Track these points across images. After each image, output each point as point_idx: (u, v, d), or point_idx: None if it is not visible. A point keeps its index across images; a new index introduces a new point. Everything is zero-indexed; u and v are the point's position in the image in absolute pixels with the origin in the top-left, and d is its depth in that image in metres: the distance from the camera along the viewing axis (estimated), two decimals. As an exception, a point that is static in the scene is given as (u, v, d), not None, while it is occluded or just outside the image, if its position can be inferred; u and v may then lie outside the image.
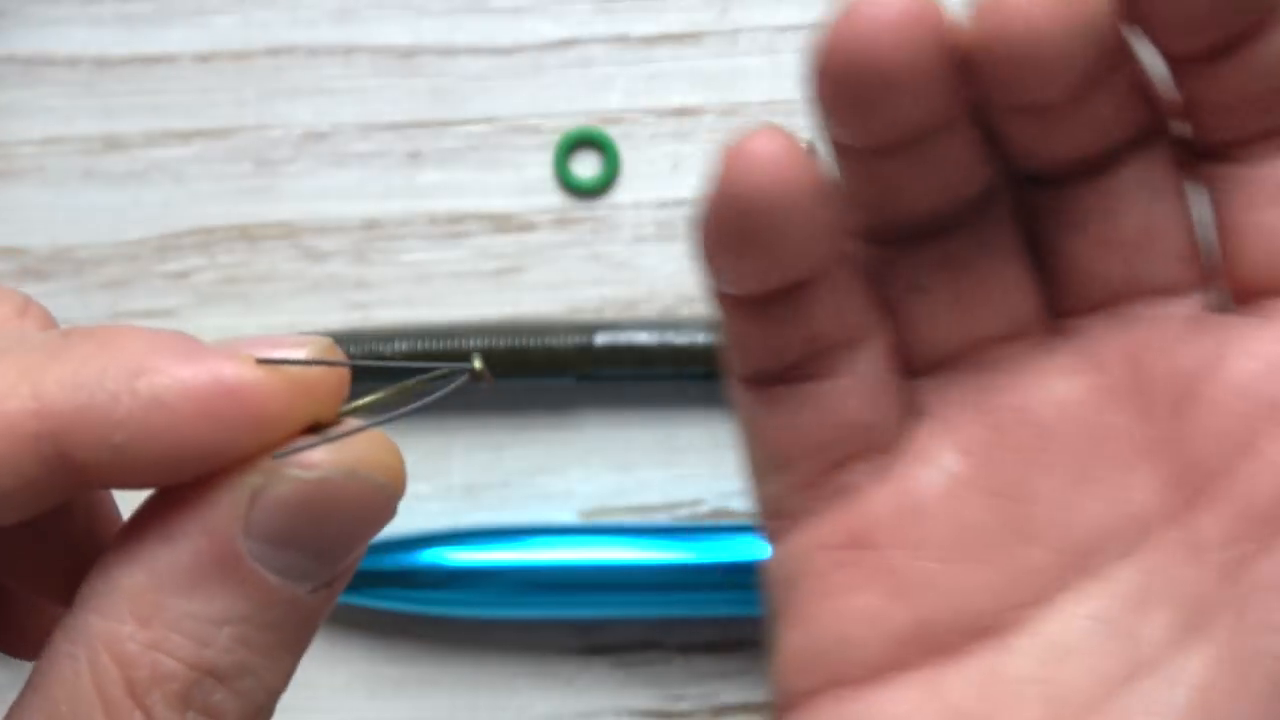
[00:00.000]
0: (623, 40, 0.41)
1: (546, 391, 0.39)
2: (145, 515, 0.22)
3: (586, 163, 0.41)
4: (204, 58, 0.41)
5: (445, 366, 0.25)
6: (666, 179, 0.41)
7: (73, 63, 0.41)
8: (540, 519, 0.40)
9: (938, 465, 0.26)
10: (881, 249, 0.26)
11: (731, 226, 0.24)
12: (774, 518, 0.27)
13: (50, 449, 0.20)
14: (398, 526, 0.40)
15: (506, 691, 0.39)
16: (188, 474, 0.21)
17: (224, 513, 0.21)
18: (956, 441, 0.26)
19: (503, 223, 0.40)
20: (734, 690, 0.39)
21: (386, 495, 0.22)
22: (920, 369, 0.26)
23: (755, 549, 0.38)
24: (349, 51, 0.41)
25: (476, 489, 0.40)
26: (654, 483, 0.40)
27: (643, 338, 0.39)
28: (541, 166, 0.41)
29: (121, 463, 0.21)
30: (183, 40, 0.41)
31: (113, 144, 0.41)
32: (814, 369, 0.26)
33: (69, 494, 0.21)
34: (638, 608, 0.38)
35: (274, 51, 0.41)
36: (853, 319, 0.26)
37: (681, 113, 0.41)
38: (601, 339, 0.39)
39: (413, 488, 0.40)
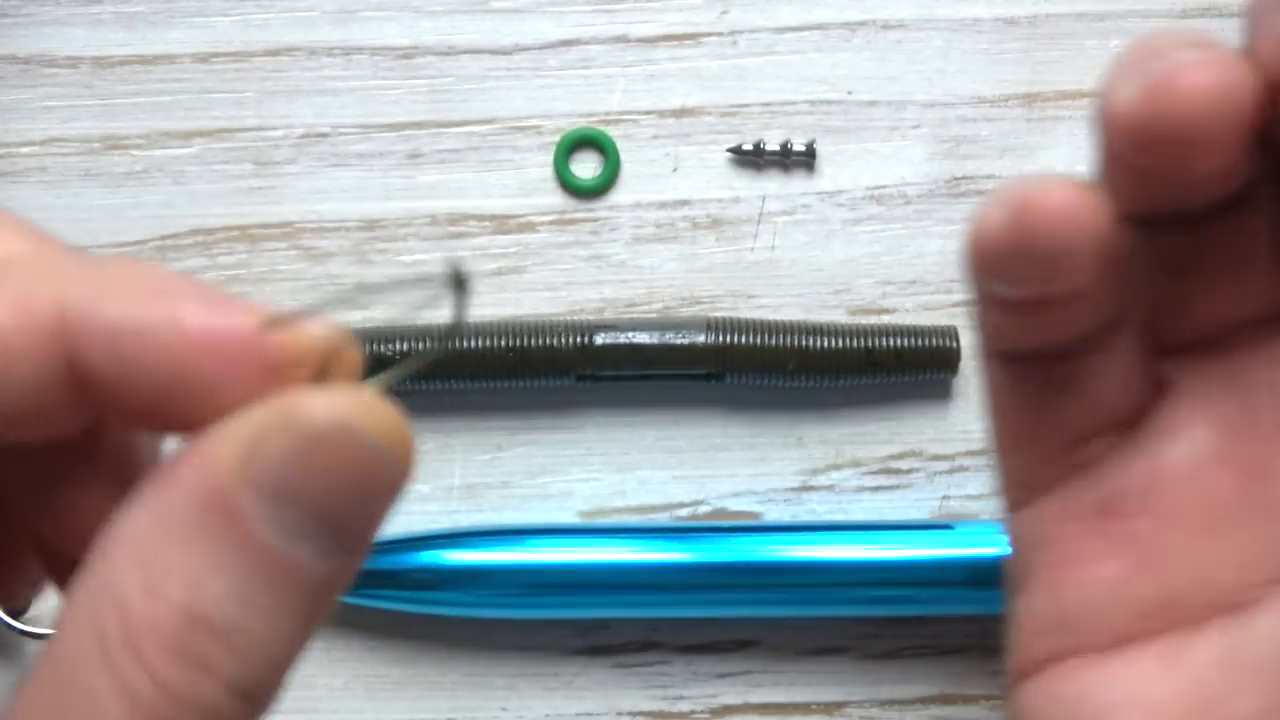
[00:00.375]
0: (623, 40, 0.41)
1: (546, 391, 0.39)
2: (161, 468, 0.22)
3: (586, 163, 0.41)
4: (204, 58, 0.41)
5: (420, 278, 0.24)
6: (666, 179, 0.41)
7: (73, 63, 0.41)
8: (540, 519, 0.40)
9: (1188, 440, 0.26)
10: (1142, 230, 0.26)
11: (1016, 262, 0.24)
12: (1019, 488, 0.28)
13: (66, 348, 0.21)
14: (398, 526, 0.40)
15: (506, 691, 0.39)
16: (187, 410, 0.21)
17: (223, 461, 0.21)
18: (1208, 418, 0.26)
19: (503, 223, 0.40)
20: (734, 690, 0.39)
21: (385, 460, 0.22)
22: (1172, 347, 0.27)
23: (755, 549, 0.38)
24: (349, 51, 0.41)
25: (476, 489, 0.40)
26: (654, 483, 0.40)
27: (643, 338, 0.39)
28: (541, 167, 0.41)
29: (128, 378, 0.21)
30: (183, 40, 0.41)
31: (113, 144, 0.41)
32: (1069, 347, 0.26)
33: (78, 416, 0.21)
34: (638, 608, 0.38)
35: (274, 51, 0.41)
36: (1112, 303, 0.26)
37: (681, 113, 0.41)
38: (601, 339, 0.39)
39: (413, 488, 0.40)
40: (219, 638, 0.21)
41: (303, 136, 0.41)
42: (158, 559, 0.21)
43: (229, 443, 0.21)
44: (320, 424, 0.21)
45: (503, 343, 0.39)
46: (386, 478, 0.22)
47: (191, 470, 0.21)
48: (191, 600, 0.21)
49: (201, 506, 0.21)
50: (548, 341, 0.38)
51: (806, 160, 0.40)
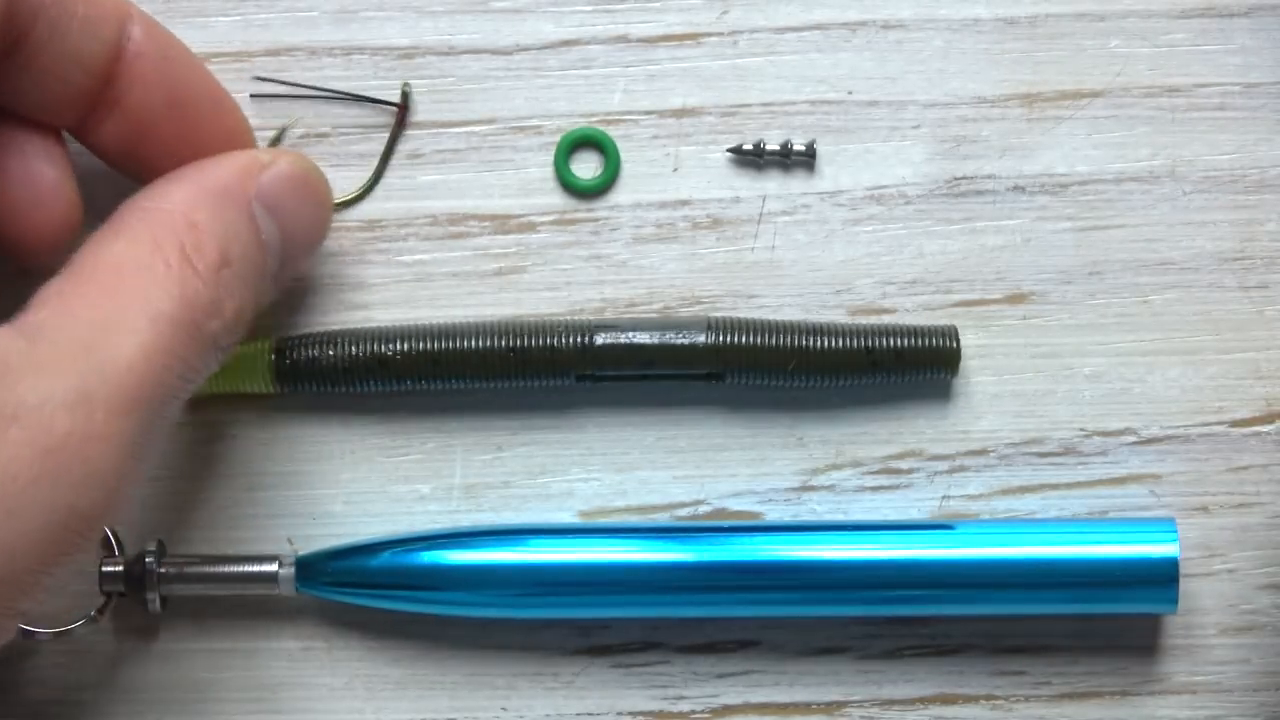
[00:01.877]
0: (623, 40, 0.41)
1: (546, 391, 0.39)
2: (188, 168, 0.36)
3: (586, 163, 0.41)
4: (204, 58, 0.41)
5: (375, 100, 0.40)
6: (667, 179, 0.41)
7: (73, 63, 0.41)
8: (540, 519, 0.40)
9: None
10: None
11: None
12: None
13: None
14: (398, 527, 0.40)
15: (506, 691, 0.39)
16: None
17: (246, 165, 0.36)
18: None
19: (503, 223, 0.40)
20: (734, 690, 0.39)
21: (329, 205, 0.38)
22: None
23: (755, 549, 0.38)
24: (349, 51, 0.41)
25: (476, 489, 0.40)
26: (654, 483, 0.40)
27: (643, 338, 0.39)
28: (541, 167, 0.41)
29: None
30: (183, 40, 0.41)
31: (113, 144, 0.41)
32: None
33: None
34: (638, 608, 0.38)
35: (274, 51, 0.41)
36: None
37: (682, 113, 0.41)
38: (601, 339, 0.39)
39: (413, 488, 0.41)
40: (233, 272, 0.34)
41: (303, 136, 0.41)
42: (197, 211, 0.34)
43: (249, 157, 0.36)
44: (307, 165, 0.37)
45: (503, 343, 0.38)
46: (327, 222, 0.38)
47: (226, 169, 0.35)
48: (223, 242, 0.34)
49: (230, 191, 0.35)
50: (548, 341, 0.38)
51: (807, 160, 0.40)
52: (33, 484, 0.30)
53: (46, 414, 0.30)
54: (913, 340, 0.39)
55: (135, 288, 0.32)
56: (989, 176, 0.40)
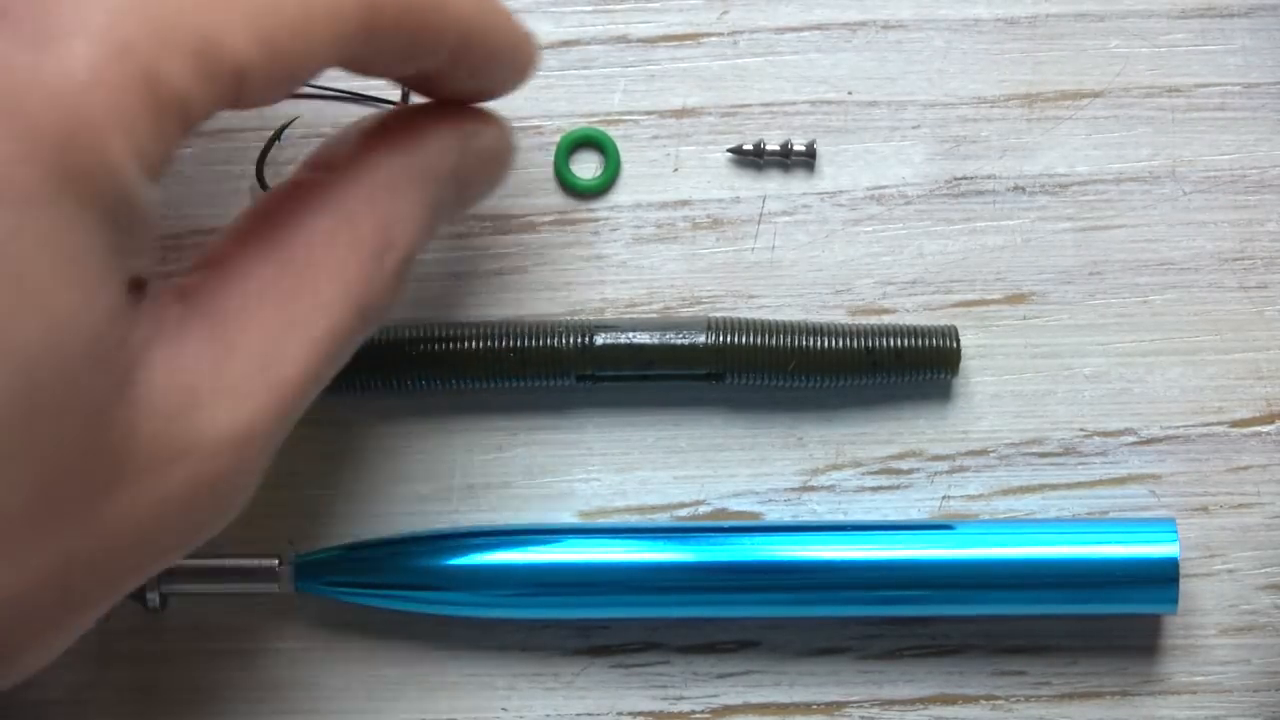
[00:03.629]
0: (623, 40, 0.41)
1: (546, 391, 0.39)
2: (399, 135, 0.34)
3: (587, 163, 0.41)
4: (204, 58, 0.41)
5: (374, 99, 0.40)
6: (667, 179, 0.41)
7: (73, 63, 0.41)
8: (540, 519, 0.40)
9: None
10: None
11: None
12: None
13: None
14: (398, 527, 0.40)
15: (506, 691, 0.39)
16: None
17: (452, 143, 0.34)
18: None
19: (503, 223, 0.40)
20: (734, 690, 0.39)
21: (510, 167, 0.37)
22: None
23: (755, 549, 0.38)
24: (349, 52, 0.41)
25: (476, 489, 0.40)
26: (654, 483, 0.40)
27: (643, 338, 0.39)
28: (542, 167, 0.41)
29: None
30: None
31: (113, 144, 0.41)
32: None
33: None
34: (638, 608, 0.38)
35: (274, 52, 0.41)
36: None
37: (682, 113, 0.41)
38: (601, 339, 0.39)
39: (413, 488, 0.41)
40: (409, 268, 0.33)
41: (303, 137, 0.41)
42: (394, 202, 0.32)
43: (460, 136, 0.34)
44: (507, 136, 0.36)
45: (503, 343, 0.39)
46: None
47: (437, 148, 0.34)
48: (413, 242, 0.33)
49: (420, 176, 0.33)
50: (548, 341, 0.39)
51: (807, 160, 0.40)
52: (178, 515, 0.29)
53: (213, 452, 0.29)
54: (913, 340, 0.39)
55: (321, 290, 0.31)
56: (989, 176, 0.40)
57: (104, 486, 0.27)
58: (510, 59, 0.34)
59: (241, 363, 0.29)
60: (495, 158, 0.36)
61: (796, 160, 0.40)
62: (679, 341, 0.39)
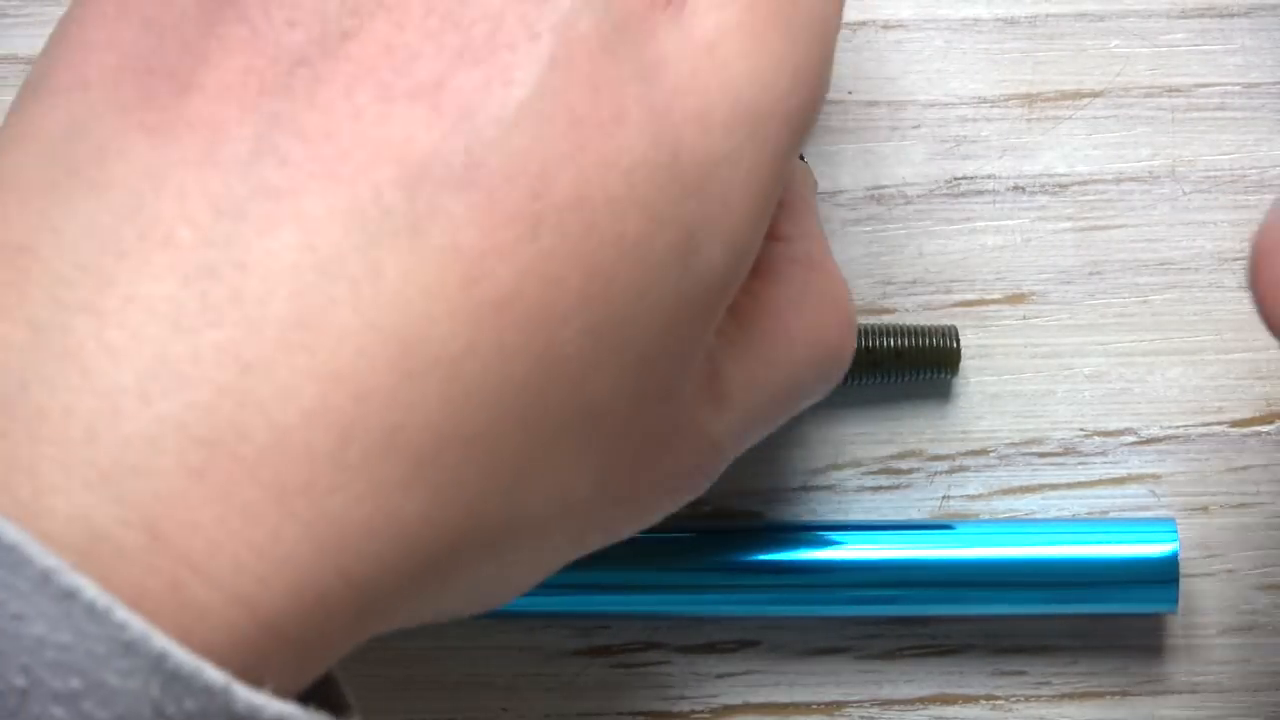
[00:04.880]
0: (623, 40, 0.41)
1: (546, 391, 0.39)
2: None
3: (586, 163, 0.41)
4: (204, 58, 0.41)
5: None
6: (666, 179, 0.40)
7: (73, 63, 0.41)
8: (540, 519, 0.39)
9: None
10: None
11: None
12: None
13: None
14: (398, 526, 0.39)
15: (506, 691, 0.39)
16: None
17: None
18: None
19: (503, 223, 0.40)
20: (734, 690, 0.39)
21: None
22: None
23: (755, 549, 0.38)
24: (349, 52, 0.41)
25: (476, 489, 0.40)
26: (654, 483, 0.40)
27: (643, 338, 0.39)
28: (541, 167, 0.40)
29: None
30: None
31: (113, 144, 0.41)
32: None
33: None
34: (638, 608, 0.38)
35: (274, 51, 0.41)
36: None
37: (681, 113, 0.41)
38: (601, 339, 0.39)
39: (413, 488, 0.40)
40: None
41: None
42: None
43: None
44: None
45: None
46: None
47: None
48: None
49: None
50: (548, 341, 0.38)
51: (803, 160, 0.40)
52: (667, 501, 0.31)
53: (713, 444, 0.31)
54: (912, 340, 0.39)
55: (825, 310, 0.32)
56: (989, 176, 0.40)
57: (651, 467, 0.28)
58: None
59: (763, 368, 0.30)
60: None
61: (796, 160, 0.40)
62: (679, 341, 0.38)
